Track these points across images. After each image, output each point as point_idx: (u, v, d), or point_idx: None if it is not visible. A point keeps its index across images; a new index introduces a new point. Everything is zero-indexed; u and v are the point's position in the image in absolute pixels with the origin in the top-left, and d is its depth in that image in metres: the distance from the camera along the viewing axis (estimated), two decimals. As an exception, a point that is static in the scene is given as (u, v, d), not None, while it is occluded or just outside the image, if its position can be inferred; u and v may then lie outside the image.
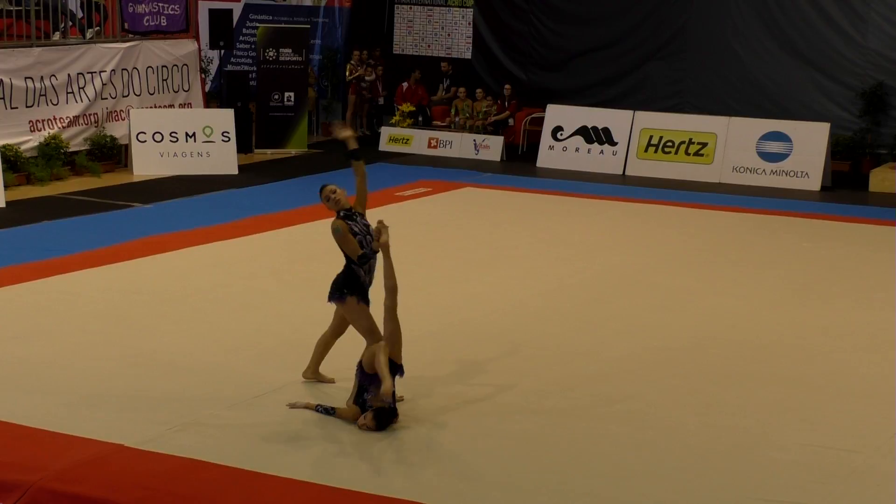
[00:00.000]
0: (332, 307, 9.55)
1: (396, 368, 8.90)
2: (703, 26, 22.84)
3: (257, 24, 24.01)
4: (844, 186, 20.28)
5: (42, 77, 19.13)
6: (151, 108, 20.81)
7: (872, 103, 21.45)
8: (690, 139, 21.17)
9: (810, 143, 20.32)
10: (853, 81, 21.69)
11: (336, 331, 9.76)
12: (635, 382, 10.18)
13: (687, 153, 21.12)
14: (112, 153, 20.17)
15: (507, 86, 23.58)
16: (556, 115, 22.26)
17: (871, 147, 21.60)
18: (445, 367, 10.46)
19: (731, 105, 22.35)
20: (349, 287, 9.22)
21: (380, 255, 9.10)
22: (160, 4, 21.28)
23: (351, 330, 9.54)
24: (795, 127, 20.66)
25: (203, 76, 22.61)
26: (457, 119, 23.29)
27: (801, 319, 12.20)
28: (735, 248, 15.50)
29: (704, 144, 21.04)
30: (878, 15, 21.48)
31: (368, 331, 9.21)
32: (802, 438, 8.98)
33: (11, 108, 18.63)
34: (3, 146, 18.30)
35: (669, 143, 21.28)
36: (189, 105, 21.65)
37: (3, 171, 17.52)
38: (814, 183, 20.11)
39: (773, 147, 20.57)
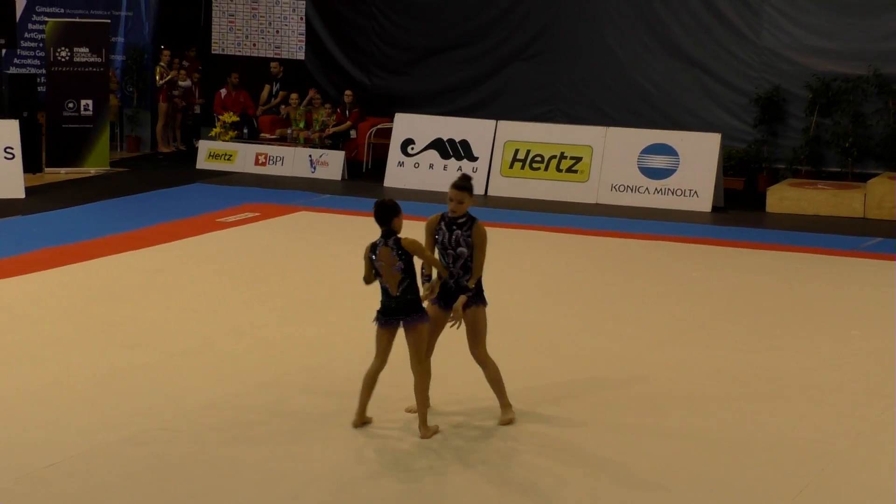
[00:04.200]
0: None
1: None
2: (575, 22, 23.16)
3: (45, 19, 23.64)
4: (738, 207, 20.71)
5: None
6: (-83, 119, 20.37)
7: (768, 111, 21.97)
8: (562, 153, 21.43)
9: (699, 156, 20.71)
10: (746, 86, 22.18)
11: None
12: (499, 436, 10.22)
13: (559, 169, 21.39)
14: None
15: (347, 91, 23.60)
16: (406, 125, 22.35)
17: (768, 161, 22.11)
18: (283, 421, 10.39)
19: (609, 113, 22.69)
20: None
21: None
22: (-75, -5, 20.89)
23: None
24: (682, 138, 21.06)
25: (-20, 81, 22.22)
26: (289, 131, 23.22)
27: (691, 362, 12.39)
28: (615, 280, 15.70)
29: (579, 159, 21.32)
30: (773, 9, 22.02)
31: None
32: (696, 501, 9.11)
33: None
34: None
35: (538, 158, 21.51)
36: (-37, 116, 21.24)
37: None
38: (704, 203, 20.50)
39: (657, 161, 20.93)
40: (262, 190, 21.00)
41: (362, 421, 10.27)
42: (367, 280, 10.23)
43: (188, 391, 11.15)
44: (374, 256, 10.06)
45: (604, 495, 9.20)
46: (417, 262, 10.14)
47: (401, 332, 10.14)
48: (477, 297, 10.30)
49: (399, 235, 10.09)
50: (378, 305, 10.24)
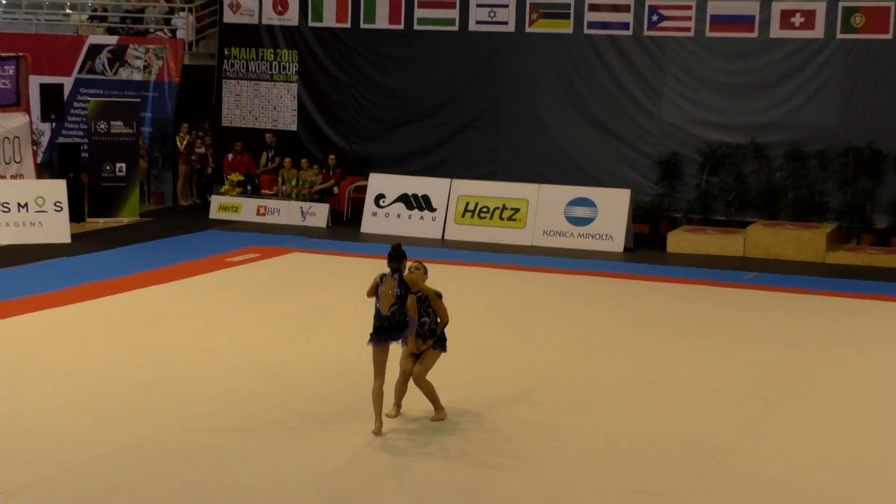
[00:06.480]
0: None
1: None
2: (514, 99, 23.29)
3: (88, 98, 23.61)
4: (645, 247, 20.81)
5: None
6: (-17, 179, 20.24)
7: (668, 170, 22.13)
8: (504, 205, 21.51)
9: (614, 207, 20.82)
10: (651, 151, 22.33)
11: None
12: (450, 433, 10.25)
13: (501, 218, 21.45)
14: (-57, 223, 19.51)
15: (331, 156, 23.64)
16: (378, 183, 22.40)
17: (668, 211, 22.24)
18: (277, 424, 10.39)
19: (541, 173, 22.78)
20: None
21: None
22: (-9, 78, 20.79)
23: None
24: (600, 193, 21.17)
25: (35, 148, 22.10)
26: (283, 188, 23.24)
27: (609, 371, 12.46)
28: (547, 306, 15.76)
29: (517, 210, 21.40)
30: (672, 90, 22.22)
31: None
32: (611, 484, 9.16)
33: None
34: None
35: (485, 209, 21.59)
36: (21, 176, 21.12)
37: None
38: (617, 245, 20.61)
39: (580, 212, 21.04)
40: (262, 235, 20.98)
41: (381, 428, 10.20)
42: (369, 294, 10.37)
43: (203, 397, 11.14)
44: (380, 282, 10.22)
45: (532, 484, 9.23)
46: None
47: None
48: (440, 343, 10.61)
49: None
50: (361, 329, 10.26)
